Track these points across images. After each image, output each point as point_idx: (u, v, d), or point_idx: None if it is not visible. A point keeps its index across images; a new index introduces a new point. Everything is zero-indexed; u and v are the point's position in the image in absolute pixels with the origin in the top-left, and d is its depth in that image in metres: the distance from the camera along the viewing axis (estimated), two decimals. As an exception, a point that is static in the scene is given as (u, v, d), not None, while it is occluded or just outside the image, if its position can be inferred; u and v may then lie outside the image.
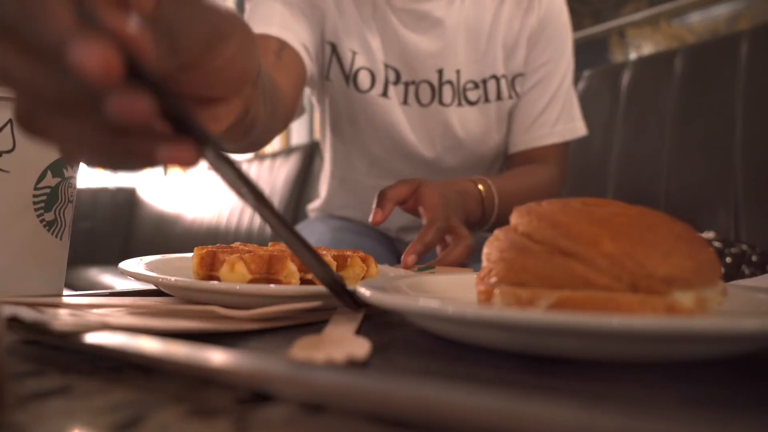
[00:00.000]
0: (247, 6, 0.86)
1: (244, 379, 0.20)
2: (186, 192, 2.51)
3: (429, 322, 0.28)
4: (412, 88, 0.86)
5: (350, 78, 0.86)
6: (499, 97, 0.87)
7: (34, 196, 0.43)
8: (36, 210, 0.43)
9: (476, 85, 0.86)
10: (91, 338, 0.24)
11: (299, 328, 0.32)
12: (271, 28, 0.77)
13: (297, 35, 0.79)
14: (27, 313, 0.28)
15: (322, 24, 0.85)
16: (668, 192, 1.03)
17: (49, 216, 0.44)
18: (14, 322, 0.27)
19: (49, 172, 0.43)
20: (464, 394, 0.16)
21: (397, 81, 0.86)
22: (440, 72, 0.85)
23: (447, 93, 0.86)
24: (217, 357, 0.21)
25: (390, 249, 0.99)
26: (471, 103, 0.86)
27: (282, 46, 0.77)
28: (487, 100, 0.86)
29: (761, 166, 0.93)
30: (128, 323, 0.28)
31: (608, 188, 1.13)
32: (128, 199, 2.82)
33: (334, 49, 0.86)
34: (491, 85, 0.86)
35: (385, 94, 0.86)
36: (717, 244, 0.77)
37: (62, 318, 0.27)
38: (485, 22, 0.85)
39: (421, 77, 0.85)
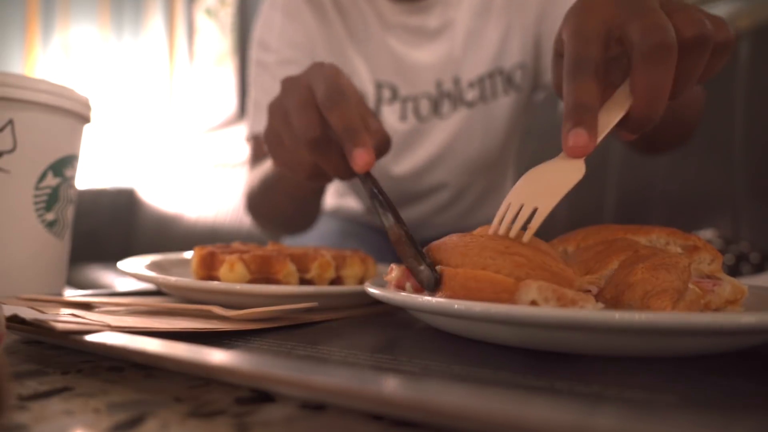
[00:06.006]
0: (251, 89, 0.86)
1: (244, 379, 0.20)
2: (186, 192, 2.52)
3: (435, 317, 0.29)
4: (410, 104, 0.85)
5: None
6: (505, 92, 0.85)
7: (35, 196, 0.43)
8: (36, 210, 0.43)
9: (472, 85, 0.85)
10: (92, 338, 0.24)
11: (298, 328, 0.32)
12: None
13: None
14: (27, 313, 0.28)
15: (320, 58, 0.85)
16: (668, 191, 1.03)
17: (49, 216, 0.44)
18: (14, 321, 0.27)
19: (49, 172, 0.43)
20: (464, 395, 0.16)
21: (394, 98, 0.85)
22: (439, 83, 0.84)
23: (446, 103, 0.85)
24: (217, 357, 0.21)
25: (392, 250, 0.99)
26: (469, 106, 0.85)
27: None
28: (483, 98, 0.85)
29: (761, 165, 0.93)
30: (128, 323, 0.28)
31: (608, 187, 1.13)
32: (129, 199, 2.83)
33: None
34: (488, 83, 0.85)
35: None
36: (717, 242, 0.77)
37: (63, 318, 0.27)
38: (481, 20, 0.84)
39: (421, 90, 0.84)
